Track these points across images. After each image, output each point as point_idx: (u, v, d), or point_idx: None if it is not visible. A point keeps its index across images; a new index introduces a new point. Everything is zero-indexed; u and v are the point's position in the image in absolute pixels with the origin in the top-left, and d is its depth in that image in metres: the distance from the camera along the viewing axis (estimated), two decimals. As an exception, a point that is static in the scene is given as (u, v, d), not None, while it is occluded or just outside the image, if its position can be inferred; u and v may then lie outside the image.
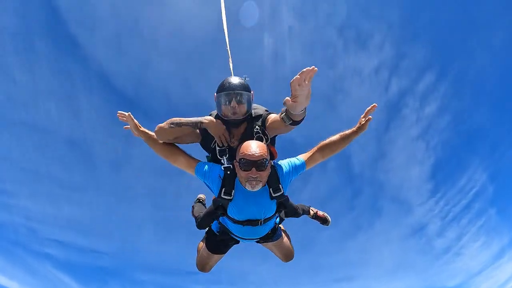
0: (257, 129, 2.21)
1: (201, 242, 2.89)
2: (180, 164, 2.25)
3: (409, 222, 15.58)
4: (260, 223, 2.24)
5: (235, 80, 2.23)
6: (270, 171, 2.08)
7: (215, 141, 2.24)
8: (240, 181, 2.08)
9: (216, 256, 2.73)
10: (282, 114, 2.02)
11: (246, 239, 2.45)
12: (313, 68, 1.61)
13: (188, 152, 2.30)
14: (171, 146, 2.25)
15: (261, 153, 1.95)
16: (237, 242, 2.60)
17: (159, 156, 2.27)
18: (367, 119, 2.24)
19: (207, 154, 2.45)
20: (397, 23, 14.14)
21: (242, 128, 2.27)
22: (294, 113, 1.88)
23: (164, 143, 2.24)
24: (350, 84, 15.11)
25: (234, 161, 2.07)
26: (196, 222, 2.58)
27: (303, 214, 2.82)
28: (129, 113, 2.24)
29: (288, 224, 2.92)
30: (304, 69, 1.60)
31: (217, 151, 2.21)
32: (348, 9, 13.78)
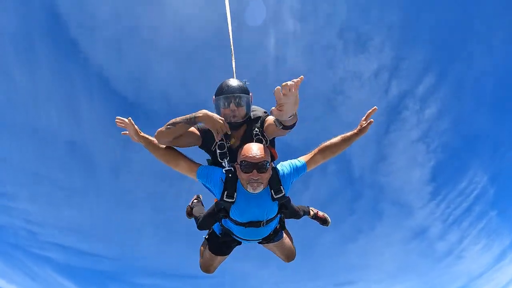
0: (257, 131, 2.21)
1: (203, 243, 2.88)
2: (182, 168, 2.22)
3: (410, 225, 15.55)
4: (263, 225, 2.24)
5: (233, 82, 2.22)
6: (271, 173, 2.08)
7: (216, 144, 2.22)
8: (241, 183, 2.08)
9: (219, 258, 2.73)
10: (274, 118, 2.01)
11: (248, 240, 2.45)
12: (297, 81, 1.55)
13: (188, 156, 2.28)
14: (171, 150, 2.22)
15: (262, 155, 1.96)
16: (240, 243, 2.59)
17: (160, 161, 2.24)
18: (368, 122, 2.25)
19: (207, 157, 2.44)
20: (397, 26, 14.21)
21: (241, 130, 2.27)
22: (282, 120, 1.85)
23: (165, 148, 2.21)
24: (350, 87, 15.14)
25: (235, 163, 2.08)
26: (196, 223, 2.58)
27: (303, 215, 2.83)
28: (129, 118, 2.20)
29: (288, 227, 2.91)
30: (286, 83, 1.54)
31: (218, 153, 2.20)
32: (348, 11, 13.86)
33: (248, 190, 2.02)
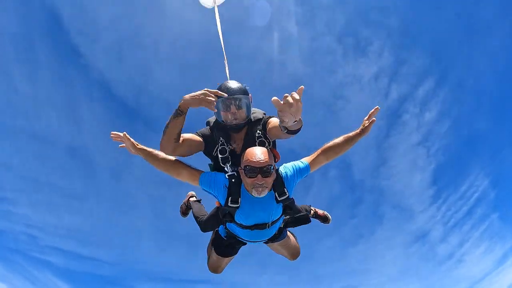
0: (259, 133, 2.20)
1: (209, 245, 2.86)
2: (183, 177, 2.19)
3: (411, 228, 15.52)
4: (268, 226, 2.25)
5: (233, 84, 2.18)
6: (275, 176, 2.07)
7: (217, 148, 2.21)
8: (245, 187, 2.07)
9: (226, 259, 2.74)
10: (279, 121, 1.96)
11: (254, 241, 2.45)
12: (299, 93, 1.52)
13: (189, 163, 2.23)
14: (172, 159, 2.17)
15: (266, 160, 1.94)
16: (245, 244, 2.59)
17: (161, 171, 2.18)
18: (370, 121, 2.24)
19: (209, 162, 2.43)
20: (396, 30, 14.26)
21: (242, 133, 2.27)
22: (286, 126, 1.80)
23: (164, 158, 2.14)
24: (350, 91, 15.19)
25: (239, 168, 2.06)
26: (200, 226, 2.58)
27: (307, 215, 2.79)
28: (125, 133, 2.14)
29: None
30: (287, 97, 1.51)
31: (220, 158, 2.19)
32: (347, 16, 13.96)
33: (253, 194, 2.01)
